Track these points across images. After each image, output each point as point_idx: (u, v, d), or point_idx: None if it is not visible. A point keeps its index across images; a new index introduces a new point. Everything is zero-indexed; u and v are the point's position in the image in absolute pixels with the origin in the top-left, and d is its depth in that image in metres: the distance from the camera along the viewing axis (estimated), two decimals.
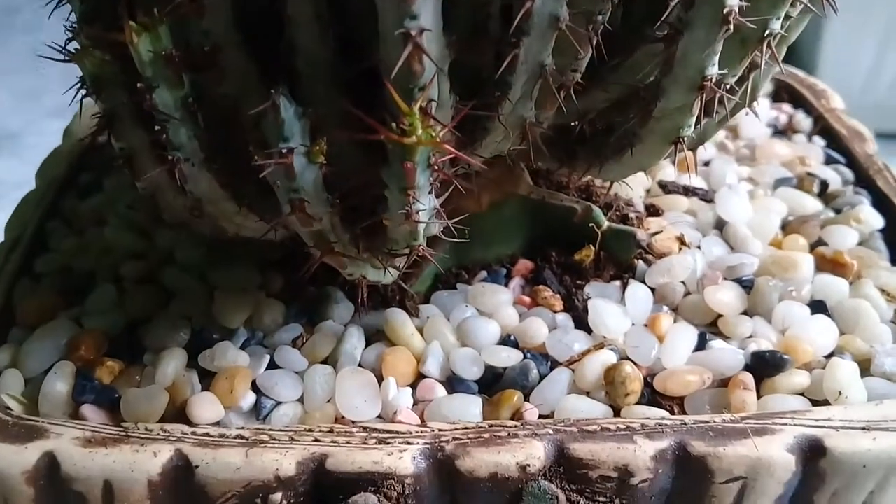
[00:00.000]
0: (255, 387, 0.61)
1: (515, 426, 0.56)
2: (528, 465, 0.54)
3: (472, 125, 0.55)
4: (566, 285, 0.70)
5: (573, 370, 0.62)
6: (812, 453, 0.55)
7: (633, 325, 0.66)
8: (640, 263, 0.71)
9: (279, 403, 0.61)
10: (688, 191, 0.82)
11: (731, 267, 0.70)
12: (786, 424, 0.56)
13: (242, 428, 0.57)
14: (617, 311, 0.66)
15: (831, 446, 0.54)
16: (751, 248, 0.74)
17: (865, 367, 0.62)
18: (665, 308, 0.68)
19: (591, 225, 0.70)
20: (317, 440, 0.55)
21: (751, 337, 0.65)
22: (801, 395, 0.61)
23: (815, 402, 0.60)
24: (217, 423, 0.58)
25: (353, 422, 0.59)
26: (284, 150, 0.47)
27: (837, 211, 0.79)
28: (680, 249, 0.72)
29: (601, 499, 0.55)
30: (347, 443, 0.55)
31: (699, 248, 0.74)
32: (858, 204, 0.79)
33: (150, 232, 0.76)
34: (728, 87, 0.55)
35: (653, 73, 0.56)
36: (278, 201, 0.51)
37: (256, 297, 0.68)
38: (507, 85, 0.52)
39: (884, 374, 0.62)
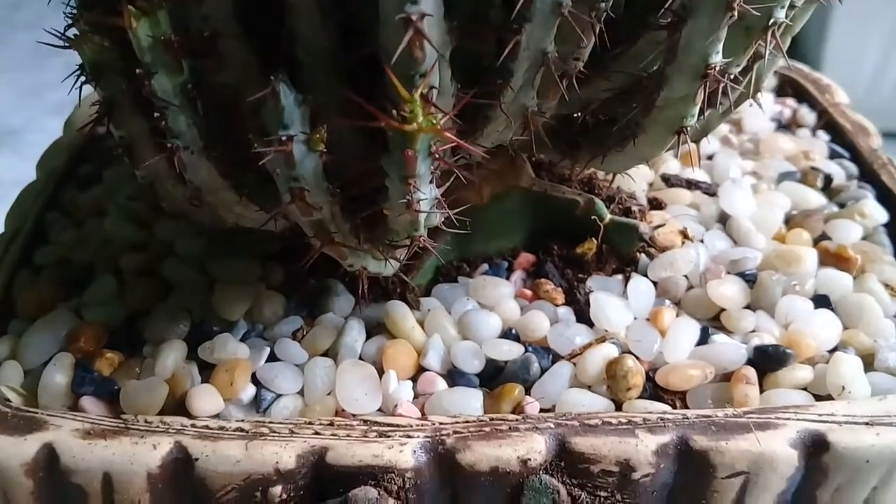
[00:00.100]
0: (255, 379, 0.61)
1: (516, 420, 0.56)
2: (530, 459, 0.53)
3: (473, 113, 0.54)
4: (568, 279, 0.69)
5: (575, 364, 0.62)
6: (815, 448, 0.54)
7: (635, 318, 0.65)
8: (643, 257, 0.70)
9: (279, 396, 0.60)
10: (691, 184, 0.82)
11: (734, 261, 0.70)
12: (789, 419, 0.55)
13: (242, 420, 0.57)
14: (619, 304, 0.65)
15: (834, 441, 0.54)
16: (754, 242, 0.73)
17: (869, 362, 0.62)
18: (667, 302, 0.67)
19: (593, 218, 0.70)
20: (317, 433, 0.55)
21: (754, 331, 0.65)
22: (805, 389, 0.61)
23: (818, 397, 0.60)
24: (217, 416, 0.58)
25: (354, 415, 0.58)
26: (284, 138, 0.47)
27: (841, 205, 0.79)
28: (683, 243, 0.72)
29: (602, 493, 0.55)
30: (348, 436, 0.55)
31: (702, 241, 0.73)
32: (862, 198, 0.78)
33: (150, 223, 0.76)
34: (732, 77, 0.55)
35: (656, 61, 0.56)
36: (278, 190, 0.51)
37: (256, 290, 0.67)
38: (509, 72, 0.52)
39: (887, 369, 0.62)
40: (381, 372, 0.61)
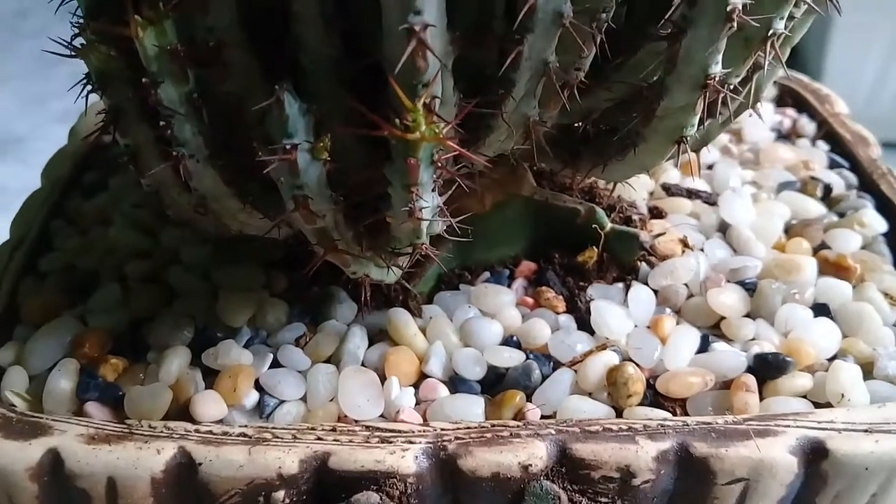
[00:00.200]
0: (258, 385, 0.61)
1: (518, 426, 0.56)
2: (531, 465, 0.54)
3: (475, 123, 0.55)
4: (569, 287, 0.70)
5: (575, 371, 0.62)
6: (814, 455, 0.55)
7: (635, 326, 0.66)
8: (643, 265, 0.71)
9: (282, 402, 0.61)
10: (691, 194, 0.82)
11: (734, 269, 0.70)
12: (788, 426, 0.56)
13: (245, 426, 0.57)
14: (619, 312, 0.66)
15: (833, 448, 0.54)
16: (754, 251, 0.74)
17: (868, 371, 0.62)
18: (668, 310, 0.68)
19: (594, 226, 0.70)
20: (319, 438, 0.55)
21: (753, 339, 0.65)
22: (804, 397, 0.61)
23: (817, 405, 0.60)
24: (220, 421, 0.59)
25: (356, 421, 0.59)
26: (288, 147, 0.48)
27: (841, 215, 0.79)
28: (683, 252, 0.72)
29: (603, 499, 0.55)
30: (350, 441, 0.55)
31: (702, 250, 0.74)
32: (862, 208, 0.79)
33: (156, 231, 0.76)
34: (731, 87, 0.55)
35: (656, 71, 0.56)
36: (282, 198, 0.51)
37: (260, 297, 0.68)
38: (511, 82, 0.52)
39: (887, 378, 0.62)
40: (383, 379, 0.61)
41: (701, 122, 0.58)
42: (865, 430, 0.55)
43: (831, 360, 0.63)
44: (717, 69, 0.53)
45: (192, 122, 0.52)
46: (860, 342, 0.65)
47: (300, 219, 0.52)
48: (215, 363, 0.62)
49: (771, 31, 0.53)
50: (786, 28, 0.54)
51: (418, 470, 0.54)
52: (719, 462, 0.54)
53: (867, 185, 0.83)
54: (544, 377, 0.62)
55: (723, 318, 0.67)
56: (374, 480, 0.53)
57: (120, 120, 0.55)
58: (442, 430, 0.56)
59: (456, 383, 0.62)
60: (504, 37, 0.50)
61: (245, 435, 0.55)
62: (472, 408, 0.59)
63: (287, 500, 0.54)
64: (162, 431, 0.56)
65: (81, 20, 0.52)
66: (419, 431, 0.56)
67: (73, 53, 0.52)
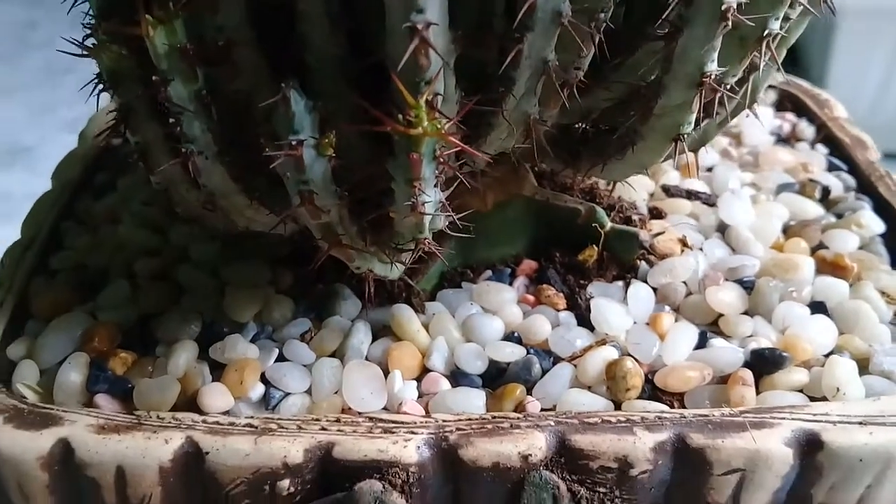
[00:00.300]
0: (264, 378, 0.62)
1: (518, 417, 0.57)
2: (530, 456, 0.54)
3: (476, 120, 0.56)
4: (569, 284, 0.70)
5: (575, 365, 0.63)
6: (809, 447, 0.55)
7: (634, 323, 0.66)
8: (643, 264, 0.72)
9: (287, 394, 0.62)
10: (691, 195, 0.83)
11: (732, 268, 0.71)
12: (784, 419, 0.56)
13: (252, 417, 0.58)
14: (619, 309, 0.67)
15: (828, 440, 0.55)
16: (752, 251, 0.74)
17: (864, 366, 0.63)
18: (667, 307, 0.69)
19: (594, 226, 0.71)
20: (324, 429, 0.56)
21: (751, 336, 0.66)
22: (800, 391, 0.61)
23: (813, 399, 0.60)
24: (227, 413, 0.60)
25: (360, 413, 0.59)
26: (294, 143, 0.49)
27: (839, 216, 0.80)
28: (682, 251, 0.73)
29: (602, 489, 0.56)
30: (354, 432, 0.56)
31: (701, 249, 0.74)
32: (860, 209, 0.79)
33: (165, 228, 0.77)
34: (728, 87, 0.56)
35: (654, 71, 0.57)
36: (288, 194, 0.52)
37: (266, 293, 0.69)
38: (511, 80, 0.53)
39: (882, 373, 0.62)
40: (386, 372, 0.62)
41: (698, 121, 0.59)
42: (860, 423, 0.56)
43: (827, 355, 0.64)
44: (712, 67, 0.54)
45: (201, 120, 0.53)
46: (856, 339, 0.65)
47: (306, 214, 0.53)
48: (222, 357, 0.63)
49: (766, 32, 0.54)
50: (781, 29, 0.55)
51: (420, 459, 0.54)
52: (715, 453, 0.54)
53: (865, 187, 0.84)
54: (544, 371, 0.62)
55: (721, 315, 0.67)
56: (377, 469, 0.54)
57: (130, 118, 0.56)
58: (444, 421, 0.57)
59: (458, 377, 0.63)
60: (504, 35, 0.51)
61: (251, 425, 0.56)
62: (474, 400, 0.60)
63: (292, 489, 0.55)
64: (170, 422, 0.57)
65: (93, 21, 0.53)
66: (421, 422, 0.57)
67: (85, 53, 0.53)
